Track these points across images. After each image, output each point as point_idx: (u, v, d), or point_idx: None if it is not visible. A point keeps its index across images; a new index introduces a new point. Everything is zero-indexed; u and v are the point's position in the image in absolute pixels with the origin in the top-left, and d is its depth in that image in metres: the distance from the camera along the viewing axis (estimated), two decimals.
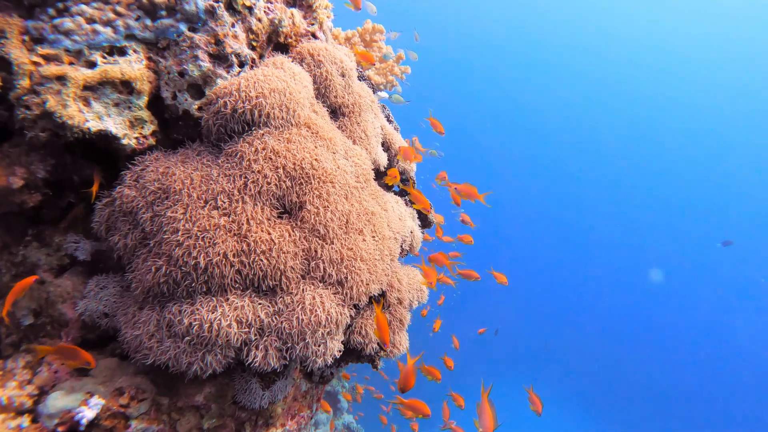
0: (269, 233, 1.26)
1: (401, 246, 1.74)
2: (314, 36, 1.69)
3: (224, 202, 1.24)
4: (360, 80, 2.15)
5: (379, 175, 1.83)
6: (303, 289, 1.29)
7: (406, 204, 1.96)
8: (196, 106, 1.34)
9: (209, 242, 1.19)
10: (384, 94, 2.89)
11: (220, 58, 1.35)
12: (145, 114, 1.30)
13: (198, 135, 1.39)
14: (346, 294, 1.35)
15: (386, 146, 1.92)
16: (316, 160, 1.36)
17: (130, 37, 1.26)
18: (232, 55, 1.36)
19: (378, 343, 1.58)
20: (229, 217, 1.23)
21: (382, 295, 1.58)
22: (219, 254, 1.19)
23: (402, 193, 2.25)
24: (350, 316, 1.39)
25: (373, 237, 1.48)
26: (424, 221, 2.36)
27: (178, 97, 1.33)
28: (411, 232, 1.80)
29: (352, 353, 1.61)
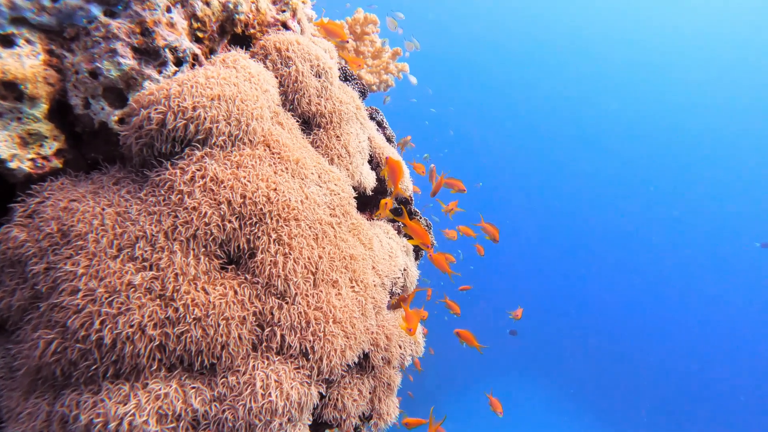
0: (206, 293, 0.93)
1: (391, 290, 1.40)
2: (285, 26, 1.35)
3: (145, 251, 0.91)
4: (347, 81, 1.80)
5: (365, 200, 1.50)
6: (253, 366, 0.97)
7: (399, 232, 1.63)
8: (116, 118, 1.01)
9: (119, 308, 0.87)
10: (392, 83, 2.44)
11: (148, 53, 1.02)
12: (44, 127, 0.97)
13: (122, 155, 1.06)
14: (313, 368, 1.02)
15: (376, 162, 1.58)
16: (274, 190, 1.02)
17: (20, 21, 0.93)
18: (166, 50, 1.03)
19: (360, 417, 1.26)
20: (150, 271, 0.90)
21: (365, 357, 1.25)
22: (133, 325, 0.86)
23: (395, 213, 1.91)
24: (320, 393, 1.06)
25: (352, 287, 1.15)
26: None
27: (91, 105, 1.00)
28: (404, 270, 1.47)
29: (326, 425, 1.28)
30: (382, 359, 1.29)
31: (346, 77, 1.88)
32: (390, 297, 1.40)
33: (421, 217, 2.07)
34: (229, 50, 1.21)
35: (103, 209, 0.94)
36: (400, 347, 1.37)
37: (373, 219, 1.59)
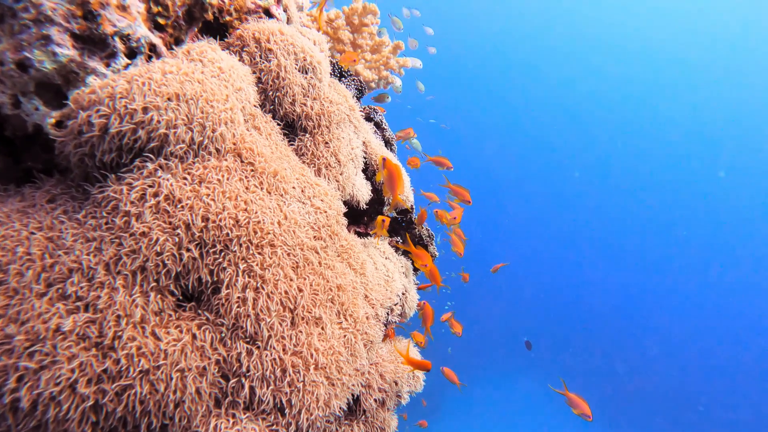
0: (156, 339, 0.76)
1: (387, 319, 1.23)
2: (268, 13, 1.16)
3: (80, 288, 0.74)
4: (342, 78, 1.62)
5: (358, 215, 1.32)
6: (215, 426, 0.79)
7: (396, 249, 1.45)
8: (53, 120, 0.83)
9: (43, 361, 0.69)
10: (396, 80, 2.12)
11: (93, 42, 0.84)
12: None
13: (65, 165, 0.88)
14: (290, 424, 0.85)
15: (372, 171, 1.40)
16: (244, 210, 0.84)
17: None
18: (115, 39, 0.85)
19: None
20: (85, 313, 0.73)
21: (356, 400, 1.08)
22: (59, 383, 0.69)
23: (395, 225, 1.73)
24: None
25: (340, 324, 0.97)
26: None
27: (23, 105, 0.82)
28: (402, 295, 1.30)
29: None
30: (375, 401, 1.12)
31: (341, 74, 1.70)
32: (386, 327, 1.22)
33: (423, 228, 1.89)
34: (201, 40, 1.03)
35: (32, 233, 0.76)
36: (397, 384, 1.20)
37: (368, 234, 1.41)
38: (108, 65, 0.85)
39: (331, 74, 1.54)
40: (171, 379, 0.76)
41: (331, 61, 1.56)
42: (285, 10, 1.24)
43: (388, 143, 1.78)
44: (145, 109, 0.79)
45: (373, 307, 1.09)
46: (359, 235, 1.37)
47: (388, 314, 1.21)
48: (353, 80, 1.74)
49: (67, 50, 0.80)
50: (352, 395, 1.05)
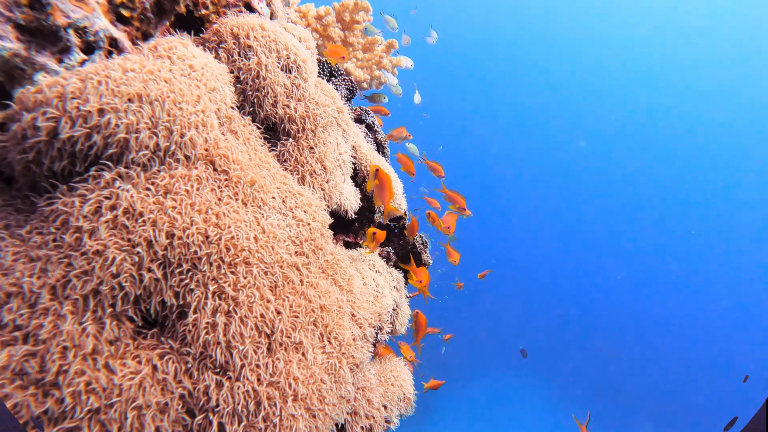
0: (110, 372, 0.67)
1: (376, 337, 1.14)
2: (249, 7, 1.07)
3: (20, 315, 0.64)
4: (332, 78, 1.53)
5: (346, 224, 1.23)
6: None
7: (388, 259, 1.36)
8: None
9: None
10: (393, 79, 1.97)
11: (42, 34, 0.74)
12: None
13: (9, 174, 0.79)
14: None
15: (362, 177, 1.31)
16: (215, 225, 0.76)
17: None
18: (69, 31, 0.75)
19: None
20: (24, 345, 0.64)
21: (341, 428, 1.00)
22: None
23: (388, 233, 1.65)
24: None
25: (323, 348, 0.89)
26: (417, 259, 1.77)
27: None
28: (393, 311, 1.21)
29: None
30: (362, 429, 1.03)
31: (331, 73, 1.61)
32: (375, 346, 1.14)
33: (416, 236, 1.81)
34: (172, 35, 0.94)
35: None
36: (386, 408, 1.11)
37: (357, 243, 1.33)
38: (60, 61, 0.76)
39: (319, 74, 1.45)
40: (126, 418, 0.66)
41: (319, 60, 1.47)
42: (268, 5, 1.15)
43: (380, 146, 1.70)
44: (102, 111, 0.70)
45: (360, 327, 1.00)
46: (348, 245, 1.28)
47: (378, 332, 1.13)
48: (344, 80, 1.66)
49: (9, 43, 0.71)
50: (336, 424, 0.96)
